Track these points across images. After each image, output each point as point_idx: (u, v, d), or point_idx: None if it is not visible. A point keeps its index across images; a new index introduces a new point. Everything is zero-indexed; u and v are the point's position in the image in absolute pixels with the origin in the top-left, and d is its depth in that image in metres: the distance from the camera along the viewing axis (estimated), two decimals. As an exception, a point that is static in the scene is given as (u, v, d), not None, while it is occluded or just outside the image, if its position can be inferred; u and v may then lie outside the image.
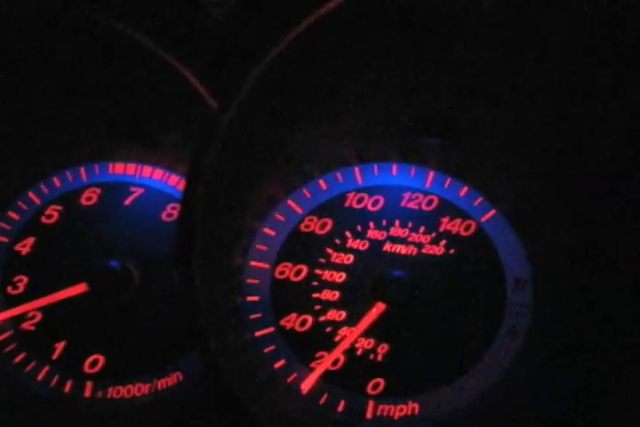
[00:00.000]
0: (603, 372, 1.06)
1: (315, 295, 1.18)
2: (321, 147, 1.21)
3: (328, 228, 1.20)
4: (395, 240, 1.20)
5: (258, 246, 1.19)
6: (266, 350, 1.17)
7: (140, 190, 1.22)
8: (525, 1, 0.98)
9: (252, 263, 1.19)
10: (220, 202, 1.03)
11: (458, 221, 1.21)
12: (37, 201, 1.22)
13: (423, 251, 1.19)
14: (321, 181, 1.22)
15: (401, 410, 1.17)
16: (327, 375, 1.16)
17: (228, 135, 0.85)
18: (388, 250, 1.19)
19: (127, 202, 1.22)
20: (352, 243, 1.19)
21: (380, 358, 1.17)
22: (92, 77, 1.14)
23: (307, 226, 1.20)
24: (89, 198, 1.22)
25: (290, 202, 1.21)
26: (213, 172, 0.85)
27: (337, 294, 1.18)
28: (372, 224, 1.20)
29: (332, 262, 1.19)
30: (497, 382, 1.17)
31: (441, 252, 1.20)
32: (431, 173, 1.23)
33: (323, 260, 1.19)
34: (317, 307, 1.18)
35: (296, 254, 1.19)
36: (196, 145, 0.83)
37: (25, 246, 1.21)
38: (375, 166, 1.23)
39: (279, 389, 1.16)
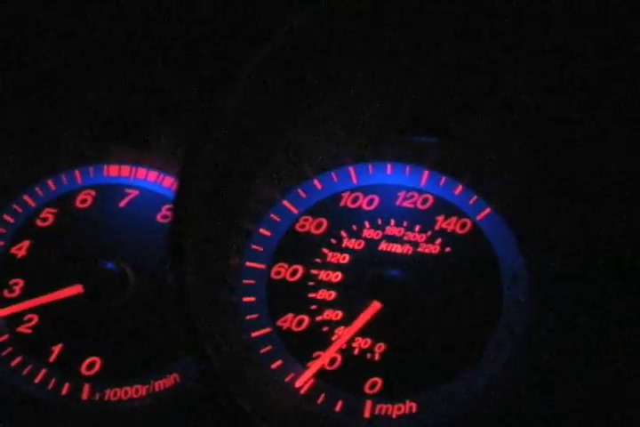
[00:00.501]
0: (601, 368, 1.06)
1: (311, 295, 1.18)
2: (315, 147, 1.21)
3: (323, 227, 1.20)
4: (390, 239, 1.20)
5: (253, 247, 1.19)
6: (262, 351, 1.17)
7: (134, 192, 1.22)
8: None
9: (248, 264, 1.19)
10: (213, 203, 1.03)
11: (453, 219, 1.21)
12: (32, 204, 1.22)
13: (419, 250, 1.19)
14: (316, 181, 1.22)
15: (399, 409, 1.17)
16: (324, 375, 1.16)
17: (221, 136, 0.84)
18: (384, 249, 1.19)
19: (122, 204, 1.22)
20: (348, 242, 1.19)
21: (377, 357, 1.17)
22: (85, 80, 1.14)
23: (302, 226, 1.20)
24: (84, 201, 1.22)
25: (285, 202, 1.21)
26: (205, 173, 0.85)
27: (333, 293, 1.18)
28: (367, 223, 1.20)
29: (328, 262, 1.19)
30: (495, 379, 1.17)
31: (437, 250, 1.20)
32: (426, 172, 1.23)
33: (318, 260, 1.19)
34: (314, 307, 1.18)
35: (292, 254, 1.19)
36: (189, 146, 0.83)
37: (20, 250, 1.20)
38: (370, 166, 1.23)
39: (276, 389, 1.16)
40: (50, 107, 1.21)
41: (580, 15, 0.97)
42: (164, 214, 1.21)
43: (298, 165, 1.21)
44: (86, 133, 1.22)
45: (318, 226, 1.20)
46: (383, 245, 1.19)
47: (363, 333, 1.16)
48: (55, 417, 1.15)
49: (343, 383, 1.16)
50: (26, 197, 1.23)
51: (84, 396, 1.17)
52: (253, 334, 1.17)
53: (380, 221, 1.20)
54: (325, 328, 1.17)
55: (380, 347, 1.17)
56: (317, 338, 1.16)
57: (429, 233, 1.20)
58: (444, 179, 1.22)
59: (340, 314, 1.17)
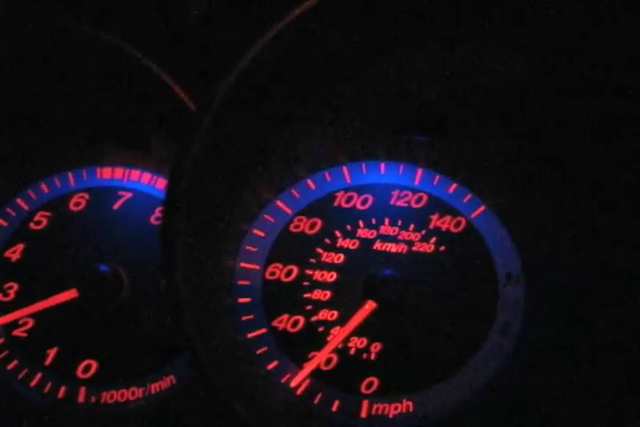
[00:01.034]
0: (597, 367, 1.06)
1: (306, 295, 1.18)
2: (308, 146, 1.21)
3: (318, 228, 1.20)
4: (385, 239, 1.19)
5: (248, 248, 1.19)
6: (258, 352, 1.17)
7: (128, 194, 1.22)
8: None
9: (243, 265, 1.19)
10: (206, 204, 1.03)
11: (448, 217, 1.21)
12: (25, 207, 1.22)
13: (413, 249, 1.19)
14: (309, 181, 1.21)
15: (396, 408, 1.17)
16: (321, 375, 1.16)
17: (210, 137, 0.84)
18: (379, 249, 1.19)
19: (116, 206, 1.22)
20: (342, 242, 1.19)
21: (373, 356, 1.16)
22: (77, 83, 1.14)
23: (296, 226, 1.20)
24: (77, 204, 1.22)
25: (279, 202, 1.20)
26: (196, 174, 0.85)
27: (328, 293, 1.18)
28: (361, 223, 1.20)
29: (323, 262, 1.18)
30: (491, 378, 1.17)
31: (431, 249, 1.19)
32: (420, 171, 1.22)
33: (313, 260, 1.19)
34: (309, 307, 1.17)
35: (286, 255, 1.19)
36: (177, 148, 0.83)
37: (14, 253, 1.20)
38: (363, 165, 1.22)
39: (273, 390, 1.15)
40: (43, 110, 1.21)
41: (577, 14, 0.97)
42: (157, 216, 1.21)
43: (291, 165, 1.20)
44: (79, 135, 1.22)
45: (312, 226, 1.20)
46: (378, 245, 1.19)
47: (358, 332, 1.16)
48: (51, 421, 1.15)
49: (339, 383, 1.16)
50: (19, 201, 1.22)
51: (81, 399, 1.17)
52: (249, 335, 1.17)
53: (374, 221, 1.20)
54: (321, 328, 1.17)
55: (376, 347, 1.16)
56: (313, 338, 1.16)
57: (424, 232, 1.20)
58: (437, 177, 1.22)
59: (335, 314, 1.17)
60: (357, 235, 1.19)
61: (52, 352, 1.17)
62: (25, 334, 1.18)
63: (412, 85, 1.18)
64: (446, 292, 1.18)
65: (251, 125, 1.07)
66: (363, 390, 1.16)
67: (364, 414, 1.16)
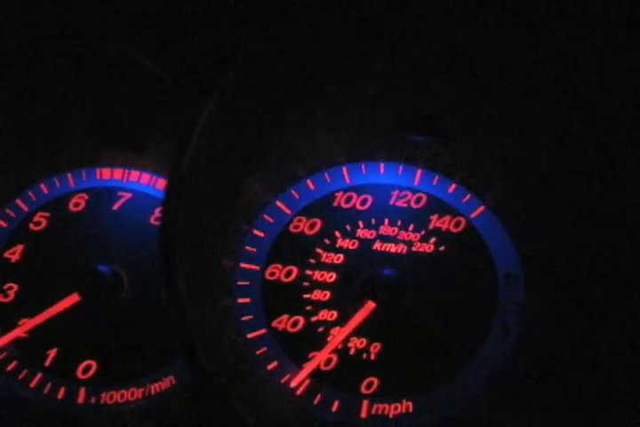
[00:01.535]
0: (597, 365, 1.06)
1: (306, 296, 1.18)
2: (308, 147, 1.21)
3: (317, 228, 1.20)
4: (384, 239, 1.19)
5: (247, 248, 1.19)
6: (258, 352, 1.17)
7: (127, 195, 1.22)
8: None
9: (243, 265, 1.19)
10: (205, 205, 1.03)
11: (447, 218, 1.21)
12: (25, 208, 1.22)
13: (413, 249, 1.19)
14: (309, 182, 1.21)
15: (395, 408, 1.17)
16: (320, 375, 1.16)
17: (208, 138, 0.84)
18: (378, 249, 1.19)
19: (115, 207, 1.22)
20: (342, 242, 1.19)
21: (372, 357, 1.16)
22: (76, 85, 1.14)
23: (296, 227, 1.20)
24: (77, 204, 1.22)
25: (278, 203, 1.20)
26: (196, 175, 0.85)
27: (328, 294, 1.18)
28: (361, 223, 1.20)
29: (323, 262, 1.19)
30: (491, 377, 1.17)
31: (431, 249, 1.19)
32: (419, 171, 1.23)
33: (313, 260, 1.19)
34: (309, 307, 1.17)
35: (286, 255, 1.19)
36: (177, 148, 0.83)
37: (14, 254, 1.20)
38: (363, 165, 1.22)
39: (273, 390, 1.15)
40: (42, 111, 1.21)
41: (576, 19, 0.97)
42: (157, 217, 1.21)
43: (290, 165, 1.20)
44: (79, 137, 1.22)
45: (312, 226, 1.20)
46: (377, 245, 1.19)
47: (358, 333, 1.16)
48: (51, 421, 1.15)
49: (339, 384, 1.16)
50: (19, 202, 1.22)
51: (80, 399, 1.17)
52: (249, 336, 1.17)
53: (373, 221, 1.20)
54: (321, 329, 1.17)
55: (376, 347, 1.17)
56: (313, 339, 1.16)
57: (423, 232, 1.20)
58: (437, 178, 1.22)
59: (334, 314, 1.17)
60: (357, 235, 1.19)
61: (52, 353, 1.17)
62: (25, 335, 1.18)
63: (411, 86, 1.18)
64: (446, 292, 1.18)
65: (250, 126, 1.07)
66: (362, 390, 1.16)
67: (363, 415, 1.16)
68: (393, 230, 1.20)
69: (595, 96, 1.05)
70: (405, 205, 1.21)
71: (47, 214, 1.21)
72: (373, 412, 1.16)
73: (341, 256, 1.19)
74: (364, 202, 1.21)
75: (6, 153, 1.23)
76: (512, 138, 1.18)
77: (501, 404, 1.13)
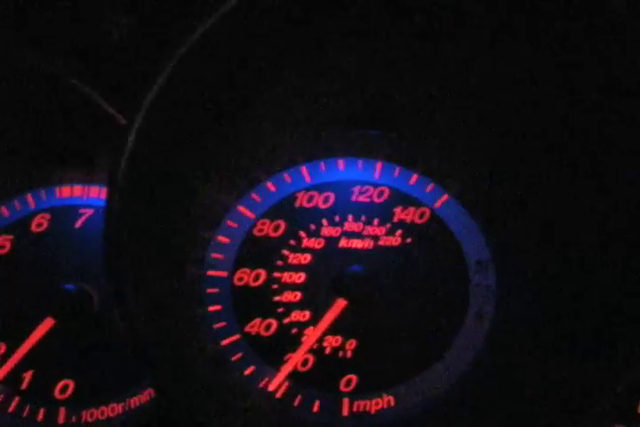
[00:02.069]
0: (570, 351, 1.06)
1: (276, 298, 1.17)
2: (265, 148, 1.20)
3: (281, 230, 1.19)
4: (350, 235, 1.19)
5: (213, 255, 1.18)
6: (234, 358, 1.16)
7: (89, 211, 1.21)
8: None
9: (210, 273, 1.18)
10: (161, 213, 1.02)
11: (411, 209, 1.21)
12: (-13, 232, 1.22)
13: (380, 243, 1.19)
14: (269, 184, 1.21)
15: (377, 404, 1.16)
16: (298, 377, 1.15)
17: (142, 149, 0.83)
18: (345, 246, 1.19)
19: (78, 224, 1.21)
20: (307, 242, 1.19)
21: (349, 354, 1.16)
22: (21, 104, 1.13)
23: (260, 230, 1.19)
24: (39, 224, 1.21)
25: (240, 208, 1.20)
26: (142, 183, 0.84)
27: (298, 294, 1.17)
28: (325, 222, 1.19)
29: (290, 264, 1.18)
30: (468, 366, 1.17)
31: (397, 242, 1.19)
32: (379, 164, 1.22)
33: (280, 262, 1.18)
34: (280, 309, 1.17)
35: (253, 260, 1.18)
36: (111, 157, 0.82)
37: (-20, 279, 1.20)
38: (322, 163, 1.22)
39: (252, 395, 1.15)
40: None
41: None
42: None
43: (249, 168, 1.20)
44: (33, 157, 1.21)
45: (276, 228, 1.19)
46: (343, 242, 1.19)
47: (332, 331, 1.15)
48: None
49: (318, 383, 1.16)
50: (-20, 227, 1.22)
51: (61, 420, 1.16)
52: (223, 343, 1.16)
53: (337, 218, 1.20)
54: (294, 330, 1.17)
55: (351, 344, 1.16)
56: (287, 340, 1.16)
57: (388, 225, 1.20)
58: (397, 169, 1.22)
59: (307, 315, 1.17)
60: (322, 234, 1.19)
61: (28, 375, 1.17)
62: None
63: (363, 79, 1.17)
64: (417, 283, 1.18)
65: (198, 131, 1.06)
66: (342, 388, 1.16)
67: (345, 413, 1.16)
68: (358, 226, 1.19)
69: (555, 76, 1.05)
70: (368, 199, 1.21)
71: (10, 237, 1.21)
72: (355, 409, 1.16)
73: (308, 256, 1.18)
74: (326, 200, 1.20)
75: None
76: (472, 125, 1.18)
77: (480, 391, 1.13)
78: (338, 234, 1.19)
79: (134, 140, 0.80)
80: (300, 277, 1.18)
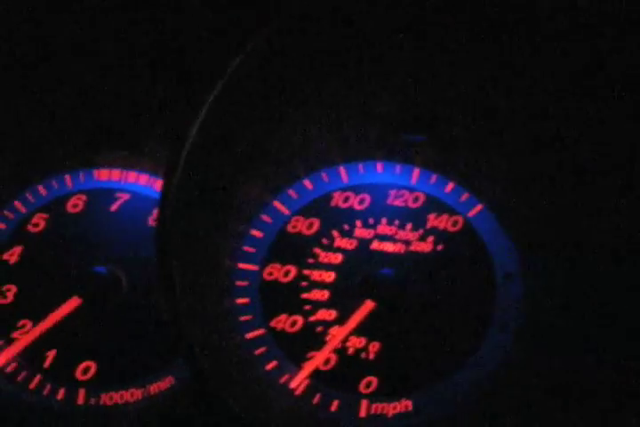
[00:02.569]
0: (593, 366, 1.06)
1: (304, 296, 1.18)
2: (305, 147, 1.21)
3: (315, 228, 1.20)
4: (382, 238, 1.19)
5: (245, 248, 1.19)
6: (257, 352, 1.17)
7: (125, 196, 1.22)
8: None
9: (241, 265, 1.19)
10: (203, 205, 1.03)
11: (445, 217, 1.21)
12: (23, 210, 1.22)
13: (411, 248, 1.19)
14: (306, 181, 1.21)
15: (394, 408, 1.17)
16: (319, 375, 1.16)
17: (205, 138, 0.84)
18: (376, 248, 1.19)
19: (113, 208, 1.22)
20: (340, 242, 1.19)
21: (371, 356, 1.16)
22: (75, 85, 1.14)
23: (294, 226, 1.20)
24: (75, 205, 1.22)
25: (276, 203, 1.21)
26: (192, 175, 0.85)
27: (326, 293, 1.18)
28: (358, 223, 1.20)
29: (321, 262, 1.19)
30: (489, 377, 1.17)
31: (429, 248, 1.19)
32: (416, 170, 1.23)
33: (311, 260, 1.19)
34: (307, 307, 1.18)
35: (284, 255, 1.19)
36: (172, 148, 0.83)
37: (12, 255, 1.20)
38: (360, 165, 1.22)
39: (272, 390, 1.15)
40: (39, 112, 1.21)
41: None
42: (154, 217, 1.21)
43: (288, 165, 1.21)
44: (77, 138, 1.22)
45: (310, 226, 1.20)
46: (375, 245, 1.19)
47: (357, 332, 1.16)
48: (51, 423, 1.15)
49: (338, 383, 1.16)
50: (17, 203, 1.22)
51: (80, 401, 1.17)
52: (247, 336, 1.17)
53: (371, 221, 1.20)
54: (319, 328, 1.17)
55: (375, 346, 1.17)
56: (311, 338, 1.16)
57: (421, 231, 1.20)
58: (434, 177, 1.22)
59: (333, 314, 1.17)
60: (355, 235, 1.20)
61: (51, 354, 1.17)
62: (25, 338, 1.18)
63: (409, 85, 1.18)
64: (444, 291, 1.18)
65: (246, 126, 1.07)
66: (361, 389, 1.16)
67: (362, 414, 1.16)
68: (391, 230, 1.20)
69: (598, 90, 1.05)
70: (403, 204, 1.21)
71: (46, 216, 1.21)
72: (372, 411, 1.16)
73: (339, 256, 1.19)
74: (361, 201, 1.21)
75: (3, 155, 1.23)
76: (510, 136, 1.18)
77: (500, 401, 1.13)
78: (370, 236, 1.20)
79: (196, 133, 0.81)
80: (329, 276, 1.18)
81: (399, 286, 1.17)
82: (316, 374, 1.15)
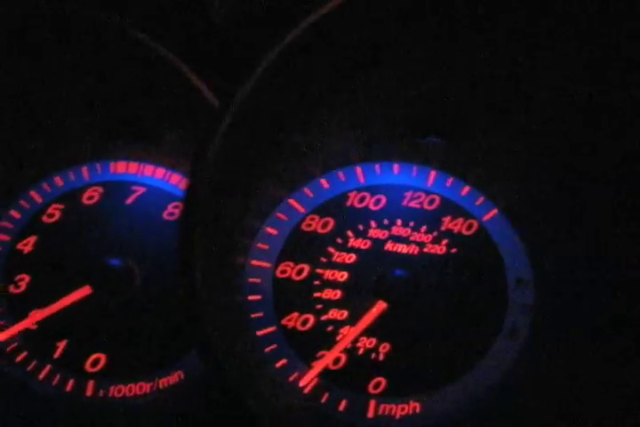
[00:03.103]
0: (604, 371, 1.06)
1: (316, 294, 1.18)
2: (323, 146, 1.21)
3: (330, 227, 1.20)
4: (396, 239, 1.19)
5: (259, 245, 1.19)
6: (267, 350, 1.17)
7: (141, 189, 1.22)
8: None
9: (254, 262, 1.19)
10: (221, 201, 1.03)
11: (460, 220, 1.21)
12: (39, 200, 1.22)
13: (425, 250, 1.19)
14: (323, 180, 1.22)
15: (402, 409, 1.17)
16: (328, 375, 1.16)
17: (230, 134, 0.84)
18: (390, 249, 1.19)
19: (129, 201, 1.22)
20: (354, 242, 1.19)
21: (381, 357, 1.17)
22: (94, 77, 1.14)
23: (308, 225, 1.20)
24: (91, 197, 1.22)
25: (291, 201, 1.21)
26: (215, 172, 0.85)
27: (339, 293, 1.18)
28: (373, 223, 1.20)
29: (334, 262, 1.19)
30: (498, 381, 1.17)
31: (442, 251, 1.19)
32: (433, 173, 1.23)
33: (324, 259, 1.19)
34: (319, 306, 1.18)
35: (297, 253, 1.19)
36: (199, 144, 0.83)
37: (27, 245, 1.21)
38: (377, 165, 1.23)
39: (280, 388, 1.16)
40: (58, 102, 1.21)
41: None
42: (170, 212, 1.21)
43: (305, 164, 1.21)
44: (94, 129, 1.22)
45: (325, 225, 1.20)
46: (389, 245, 1.19)
47: (367, 332, 1.16)
48: (59, 413, 1.15)
49: (347, 383, 1.16)
50: (33, 193, 1.23)
51: (89, 392, 1.17)
52: (258, 333, 1.17)
53: (386, 221, 1.20)
54: (330, 328, 1.17)
55: (385, 347, 1.17)
56: (322, 337, 1.16)
57: (435, 234, 1.20)
58: (450, 180, 1.22)
59: (345, 314, 1.17)
60: (369, 235, 1.20)
61: (62, 345, 1.18)
62: (35, 327, 1.18)
63: (427, 87, 1.18)
64: (456, 294, 1.18)
65: (267, 124, 1.07)
66: (370, 390, 1.16)
67: (370, 415, 1.16)
68: (405, 231, 1.20)
69: (614, 100, 1.05)
70: (418, 206, 1.21)
71: (61, 206, 1.22)
72: (380, 412, 1.16)
73: (353, 256, 1.19)
74: (377, 202, 1.21)
75: (21, 145, 1.23)
76: (528, 142, 1.18)
77: (508, 406, 1.13)
78: (385, 237, 1.20)
79: (226, 130, 0.81)
80: (342, 276, 1.18)
81: (411, 288, 1.17)
82: (325, 374, 1.15)
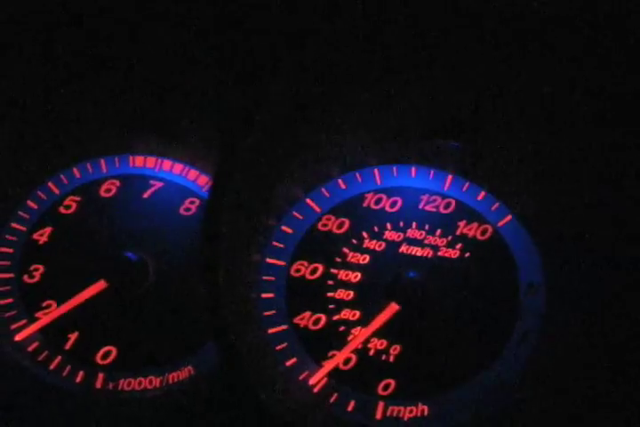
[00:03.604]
0: (614, 377, 1.06)
1: (329, 294, 1.18)
2: (341, 147, 1.21)
3: (345, 227, 1.20)
4: (411, 242, 1.20)
5: (274, 243, 1.20)
6: (278, 348, 1.17)
7: (159, 184, 1.23)
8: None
9: (269, 260, 1.19)
10: (240, 199, 1.03)
11: (474, 225, 1.21)
12: (56, 191, 1.23)
13: (439, 253, 1.20)
14: (340, 181, 1.22)
15: (410, 411, 1.17)
16: (338, 375, 1.16)
17: (255, 135, 0.85)
18: (404, 251, 1.19)
19: (146, 195, 1.22)
20: (368, 243, 1.20)
21: (391, 358, 1.17)
22: (116, 70, 1.15)
23: (324, 225, 1.20)
24: (108, 190, 1.23)
25: (308, 200, 1.21)
26: (238, 171, 0.85)
27: (351, 293, 1.18)
28: (389, 225, 1.20)
29: (348, 262, 1.19)
30: (507, 385, 1.17)
31: (456, 255, 1.20)
32: (450, 177, 1.23)
33: (339, 259, 1.19)
34: (331, 306, 1.18)
35: (312, 253, 1.19)
36: (224, 146, 0.83)
37: (42, 236, 1.21)
38: (394, 168, 1.23)
39: (290, 386, 1.16)
40: (78, 95, 1.21)
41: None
42: (186, 207, 1.21)
43: (323, 164, 1.21)
44: (114, 122, 1.22)
45: (340, 226, 1.20)
46: (404, 248, 1.20)
47: (379, 334, 1.16)
48: (68, 404, 1.15)
49: (357, 383, 1.16)
50: (50, 184, 1.23)
51: (98, 384, 1.17)
52: (270, 331, 1.17)
53: (401, 224, 1.21)
54: (342, 328, 1.17)
55: (396, 349, 1.17)
56: (333, 337, 1.17)
57: (450, 238, 1.20)
58: (467, 184, 1.23)
59: (357, 314, 1.18)
60: (384, 237, 1.20)
61: (73, 337, 1.18)
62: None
63: (446, 91, 1.18)
64: (468, 298, 1.18)
65: (287, 125, 1.08)
66: (379, 391, 1.16)
67: (378, 416, 1.16)
68: (420, 234, 1.20)
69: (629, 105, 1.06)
70: (434, 209, 1.22)
71: (78, 198, 1.22)
72: (388, 414, 1.16)
73: (367, 257, 1.19)
74: (393, 204, 1.21)
75: (40, 136, 1.24)
76: (545, 149, 1.19)
77: (517, 412, 1.13)
78: (399, 239, 1.20)
79: (256, 129, 0.82)
80: (355, 277, 1.19)
81: (424, 291, 1.17)
82: (335, 374, 1.16)
